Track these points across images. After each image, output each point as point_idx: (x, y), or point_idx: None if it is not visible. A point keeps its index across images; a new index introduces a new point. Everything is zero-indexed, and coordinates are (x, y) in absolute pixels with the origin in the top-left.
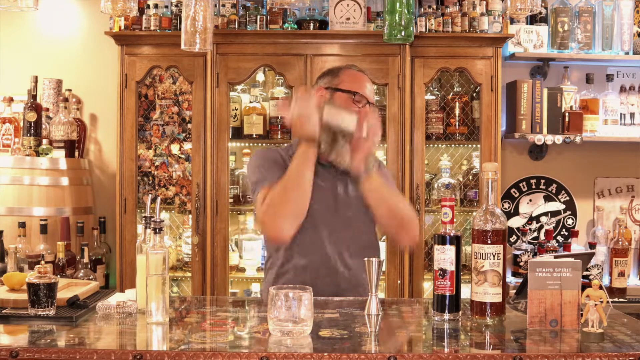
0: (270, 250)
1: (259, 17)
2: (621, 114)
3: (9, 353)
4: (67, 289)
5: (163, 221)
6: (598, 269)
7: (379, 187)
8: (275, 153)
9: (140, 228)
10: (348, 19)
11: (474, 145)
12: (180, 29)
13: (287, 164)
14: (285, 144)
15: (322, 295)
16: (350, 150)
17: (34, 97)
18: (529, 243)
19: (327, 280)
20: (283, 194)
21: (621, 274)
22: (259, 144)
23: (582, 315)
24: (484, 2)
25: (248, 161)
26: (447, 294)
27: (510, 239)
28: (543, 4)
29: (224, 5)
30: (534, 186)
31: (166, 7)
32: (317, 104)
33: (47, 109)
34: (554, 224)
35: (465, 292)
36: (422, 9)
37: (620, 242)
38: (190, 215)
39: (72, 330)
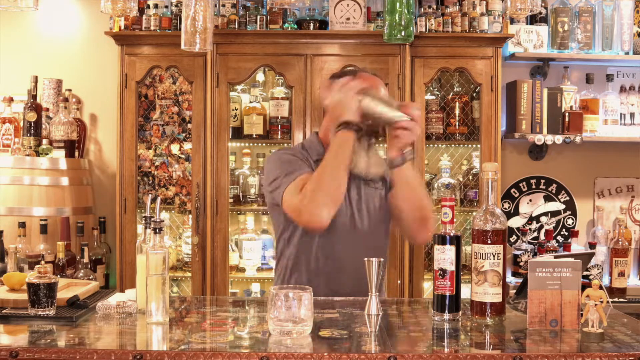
0: (280, 251)
1: (259, 17)
2: (621, 114)
3: (9, 353)
4: (67, 289)
5: (163, 221)
6: (598, 269)
7: (411, 178)
8: (294, 153)
9: (140, 228)
10: (348, 19)
11: (474, 145)
12: (180, 29)
13: (309, 162)
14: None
15: (331, 295)
16: (388, 139)
17: (34, 97)
18: (529, 243)
19: (337, 281)
20: (323, 180)
21: (621, 274)
22: (259, 144)
23: (582, 315)
24: (484, 2)
25: (266, 161)
26: (447, 294)
27: (510, 239)
28: (543, 4)
29: (224, 5)
30: (534, 186)
31: (166, 7)
32: (357, 92)
33: (47, 109)
34: (554, 224)
35: (465, 292)
36: (422, 9)
37: (620, 242)
38: (190, 215)
39: (72, 330)
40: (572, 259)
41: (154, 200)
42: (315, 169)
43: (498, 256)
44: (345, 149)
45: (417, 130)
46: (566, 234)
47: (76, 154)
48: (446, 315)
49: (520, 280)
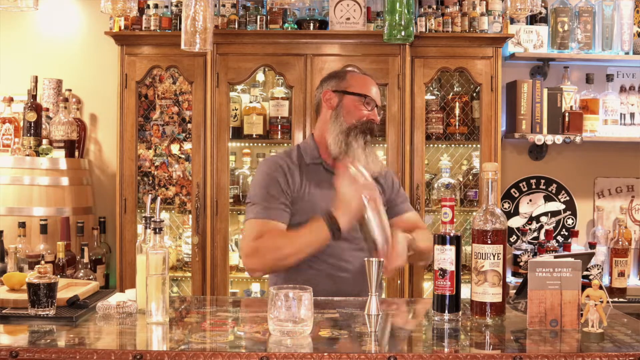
0: None
1: (259, 17)
2: (621, 114)
3: (9, 353)
4: (67, 289)
5: (163, 221)
6: (598, 269)
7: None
8: (280, 166)
9: (140, 228)
10: (348, 19)
11: (474, 145)
12: (180, 29)
13: (291, 176)
14: (287, 146)
15: (326, 295)
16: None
17: (34, 97)
18: (529, 243)
19: (329, 284)
20: (279, 250)
21: (621, 274)
22: (259, 144)
23: (582, 315)
24: (484, 2)
25: (259, 166)
26: (447, 294)
27: (510, 239)
28: (543, 4)
29: (224, 5)
30: (534, 186)
31: (166, 7)
32: (365, 200)
33: (47, 109)
34: (554, 224)
35: (465, 292)
36: (422, 9)
37: (620, 242)
38: (190, 215)
39: (72, 330)
40: (572, 259)
41: (154, 200)
42: (309, 174)
43: (498, 256)
44: (316, 243)
45: (400, 262)
46: (566, 234)
47: (76, 154)
48: (446, 315)
49: (520, 280)
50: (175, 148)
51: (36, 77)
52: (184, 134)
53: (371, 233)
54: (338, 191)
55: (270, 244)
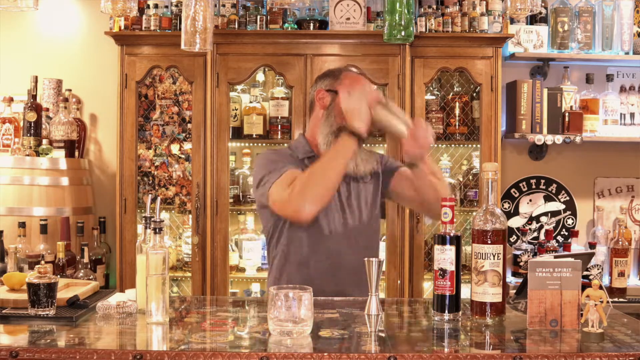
0: (271, 252)
1: (259, 17)
2: (621, 114)
3: (9, 353)
4: (67, 289)
5: (163, 221)
6: (598, 269)
7: (423, 175)
8: (279, 152)
9: (140, 228)
10: (348, 19)
11: (474, 145)
12: (180, 29)
13: (296, 161)
14: (286, 145)
15: (324, 292)
16: (400, 148)
17: (34, 97)
18: (529, 243)
19: (329, 278)
20: (315, 177)
21: (621, 274)
22: (259, 144)
23: (582, 315)
24: (484, 2)
25: (256, 159)
26: (447, 294)
27: (510, 239)
28: (543, 4)
29: (224, 5)
30: (534, 186)
31: (166, 7)
32: (370, 101)
33: (47, 109)
34: (554, 224)
35: (465, 292)
36: (422, 9)
37: (620, 242)
38: (190, 215)
39: (72, 330)
40: (572, 259)
41: (154, 200)
42: (304, 168)
43: (498, 256)
44: (345, 155)
45: (427, 146)
46: (566, 234)
47: (76, 154)
48: (446, 315)
49: (520, 280)
50: (175, 148)
51: (36, 77)
52: (184, 134)
53: (391, 127)
54: (343, 108)
55: (305, 178)
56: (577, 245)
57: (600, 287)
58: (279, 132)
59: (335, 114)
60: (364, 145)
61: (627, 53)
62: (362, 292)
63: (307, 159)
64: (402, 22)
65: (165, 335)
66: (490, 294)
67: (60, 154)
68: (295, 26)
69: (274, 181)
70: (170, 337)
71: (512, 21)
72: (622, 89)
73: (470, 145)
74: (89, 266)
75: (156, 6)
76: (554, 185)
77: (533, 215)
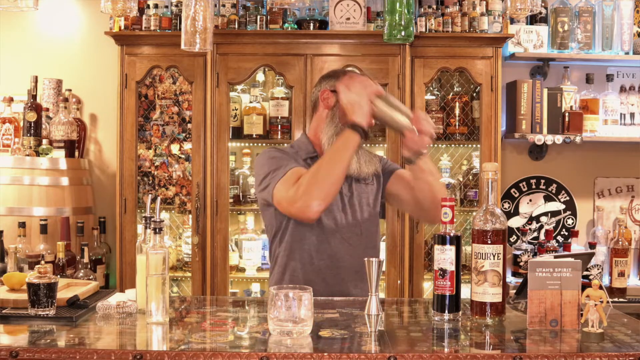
0: (274, 251)
1: (259, 17)
2: (621, 114)
3: (9, 353)
4: (67, 289)
5: (163, 221)
6: (598, 269)
7: (422, 172)
8: (281, 150)
9: (140, 228)
10: (348, 19)
11: (474, 145)
12: (180, 29)
13: (298, 160)
14: (286, 145)
15: (327, 289)
16: (401, 142)
17: (34, 97)
18: (529, 243)
19: (332, 275)
20: (320, 174)
21: (621, 274)
22: (259, 144)
23: (582, 315)
24: (484, 2)
25: (257, 157)
26: (447, 294)
27: (510, 239)
28: (543, 4)
29: (224, 5)
30: (534, 186)
31: (166, 7)
32: (370, 95)
33: (47, 109)
34: (554, 224)
35: (465, 292)
36: (422, 9)
37: (620, 242)
38: (190, 215)
39: (72, 330)
40: (572, 259)
41: (154, 200)
42: (307, 167)
43: (498, 256)
44: (349, 149)
45: (429, 137)
46: (566, 234)
47: (76, 154)
48: (446, 315)
49: (520, 280)
50: (175, 148)
51: (36, 77)
52: (184, 134)
53: (392, 120)
54: (343, 102)
55: (310, 175)
56: (577, 245)
57: (600, 287)
58: (279, 132)
59: (339, 114)
60: (364, 145)
61: (627, 53)
62: (364, 291)
63: (310, 159)
64: (402, 22)
65: (165, 335)
66: (490, 294)
67: (60, 154)
68: (295, 26)
69: (278, 180)
70: (170, 337)
71: (512, 21)
72: (622, 89)
73: (470, 145)
74: (89, 266)
75: (156, 6)
76: (554, 185)
77: (533, 215)
